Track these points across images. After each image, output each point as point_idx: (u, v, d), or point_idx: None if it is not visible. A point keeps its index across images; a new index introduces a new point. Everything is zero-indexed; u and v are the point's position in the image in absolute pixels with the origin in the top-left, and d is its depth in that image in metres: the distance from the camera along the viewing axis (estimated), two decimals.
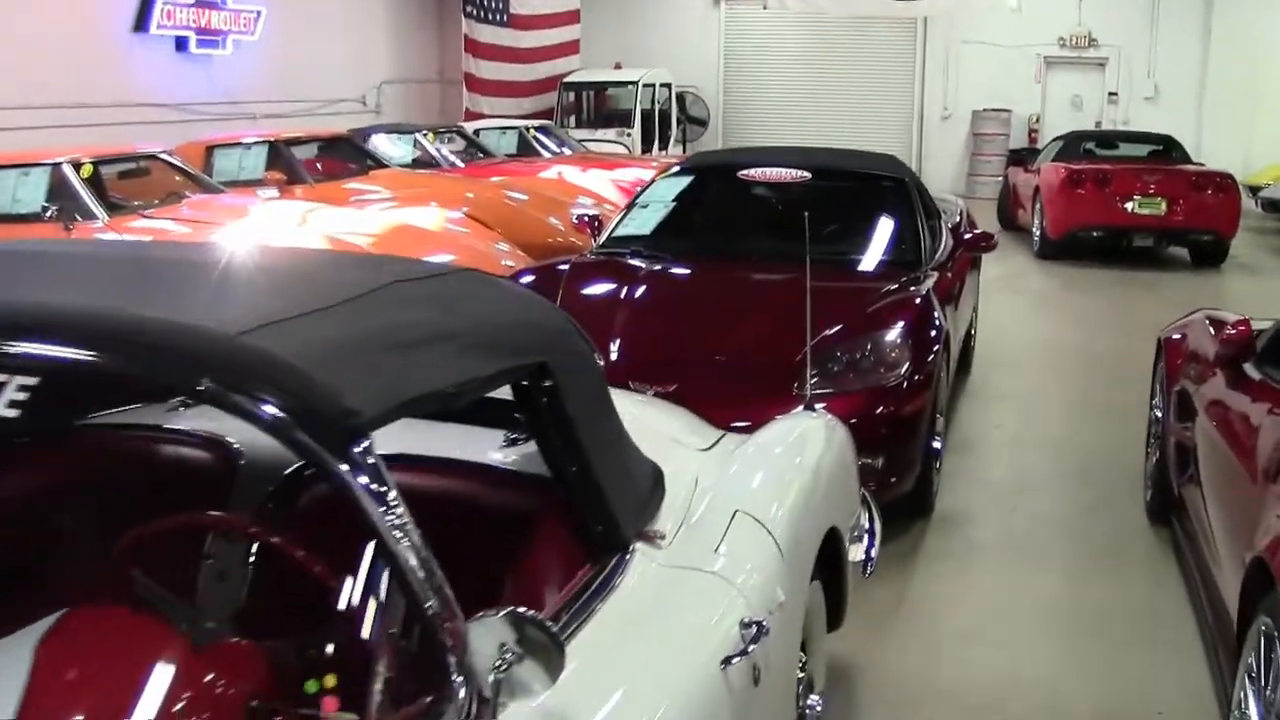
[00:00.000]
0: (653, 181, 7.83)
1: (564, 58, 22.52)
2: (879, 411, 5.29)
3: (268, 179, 10.93)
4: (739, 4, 23.38)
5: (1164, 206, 13.64)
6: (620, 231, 7.27)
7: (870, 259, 6.75)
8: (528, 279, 6.46)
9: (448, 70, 20.87)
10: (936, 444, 5.97)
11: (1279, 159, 19.07)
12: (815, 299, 6.46)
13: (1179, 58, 21.92)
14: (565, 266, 6.73)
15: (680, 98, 23.13)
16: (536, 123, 17.94)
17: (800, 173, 7.31)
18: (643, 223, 7.36)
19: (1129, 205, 13.70)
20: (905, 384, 5.40)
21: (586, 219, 7.70)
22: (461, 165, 14.03)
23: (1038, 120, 22.51)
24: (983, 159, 22.25)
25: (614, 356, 5.57)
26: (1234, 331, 4.27)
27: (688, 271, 6.72)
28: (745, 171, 7.40)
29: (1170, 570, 5.23)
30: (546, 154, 16.16)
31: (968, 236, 7.46)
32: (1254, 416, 3.99)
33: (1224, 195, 13.65)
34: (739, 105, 23.95)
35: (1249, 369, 4.34)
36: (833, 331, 5.59)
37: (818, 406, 4.01)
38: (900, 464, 5.41)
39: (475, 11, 19.71)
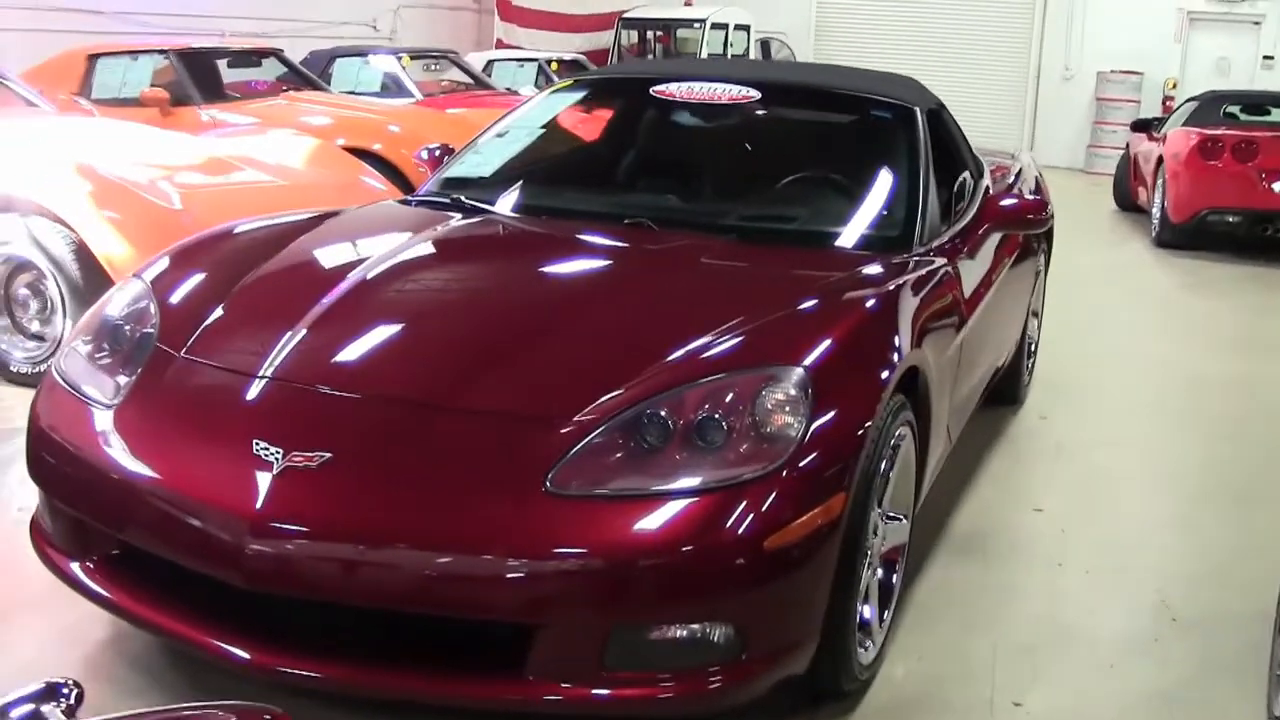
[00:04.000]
0: (527, 101, 5.21)
1: None
2: (727, 529, 2.62)
3: (145, 97, 8.92)
4: None
5: None
6: (453, 171, 4.65)
7: (832, 232, 4.06)
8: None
9: None
10: (892, 573, 3.30)
11: None
12: (688, 305, 3.84)
13: None
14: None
15: (765, 44, 20.44)
16: (569, 57, 15.39)
17: (746, 91, 4.63)
18: (487, 160, 4.74)
19: (1278, 185, 10.64)
20: (791, 475, 2.71)
21: (437, 154, 4.98)
22: (440, 96, 11.73)
23: (1175, 86, 19.19)
24: (1107, 129, 19.03)
25: (270, 370, 2.99)
26: None
27: (499, 241, 4.06)
28: (660, 88, 4.73)
29: None
30: None
31: (1005, 204, 4.57)
32: None
33: None
34: (832, 58, 21.02)
35: None
36: (664, 369, 2.94)
37: None
38: (771, 635, 2.74)
39: None
